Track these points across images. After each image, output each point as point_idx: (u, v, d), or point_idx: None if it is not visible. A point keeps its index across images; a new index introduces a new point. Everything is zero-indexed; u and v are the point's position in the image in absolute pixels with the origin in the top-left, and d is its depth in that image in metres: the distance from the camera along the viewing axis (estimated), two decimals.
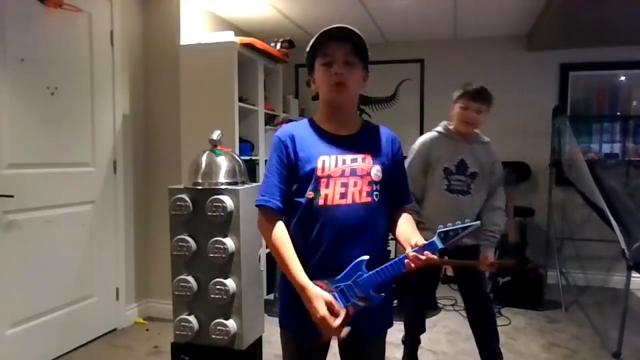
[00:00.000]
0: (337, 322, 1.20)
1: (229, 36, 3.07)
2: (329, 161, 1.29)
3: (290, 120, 4.09)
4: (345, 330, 1.23)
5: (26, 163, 2.54)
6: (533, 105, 4.19)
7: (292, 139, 1.33)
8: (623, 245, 2.79)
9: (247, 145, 3.36)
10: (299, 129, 1.36)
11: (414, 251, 1.21)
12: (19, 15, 2.47)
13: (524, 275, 3.64)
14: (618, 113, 4.25)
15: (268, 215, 1.32)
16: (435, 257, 1.21)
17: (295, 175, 1.31)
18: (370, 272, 1.23)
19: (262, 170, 3.49)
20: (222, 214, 2.10)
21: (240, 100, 3.21)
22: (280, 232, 1.30)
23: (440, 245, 1.21)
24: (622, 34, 3.70)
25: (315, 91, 1.38)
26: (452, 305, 3.68)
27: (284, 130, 1.37)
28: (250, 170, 2.83)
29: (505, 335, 3.10)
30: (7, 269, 2.43)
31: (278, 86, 3.86)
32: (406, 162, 2.36)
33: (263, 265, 2.55)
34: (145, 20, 3.32)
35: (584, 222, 4.09)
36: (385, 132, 1.43)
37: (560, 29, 3.69)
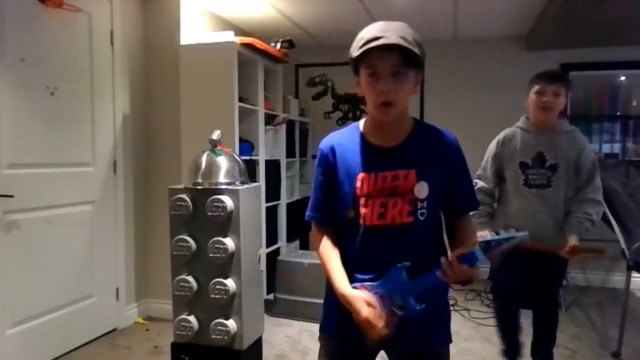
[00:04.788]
0: (379, 320, 1.15)
1: (229, 36, 3.07)
2: (368, 180, 1.22)
3: (292, 120, 4.10)
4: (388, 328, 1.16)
5: (26, 163, 2.54)
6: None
7: (333, 151, 1.30)
8: (623, 245, 2.79)
9: (247, 145, 3.36)
10: (342, 141, 1.31)
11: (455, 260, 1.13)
12: (19, 15, 2.47)
13: None
14: (618, 113, 4.25)
15: (318, 227, 1.34)
16: (470, 270, 1.11)
17: (337, 189, 1.28)
18: (412, 280, 1.17)
19: (262, 170, 3.49)
20: (222, 214, 2.10)
21: (240, 100, 3.21)
22: (325, 243, 1.30)
23: (481, 257, 1.09)
24: (622, 34, 3.70)
25: (361, 95, 1.28)
26: (452, 305, 3.68)
27: (328, 140, 1.33)
28: (250, 170, 2.83)
29: None
30: (7, 269, 2.43)
31: (278, 86, 3.85)
32: (483, 160, 2.36)
33: (263, 265, 2.56)
34: (145, 20, 3.32)
35: None
36: (438, 136, 1.28)
37: (560, 29, 3.69)
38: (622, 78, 4.23)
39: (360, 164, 1.25)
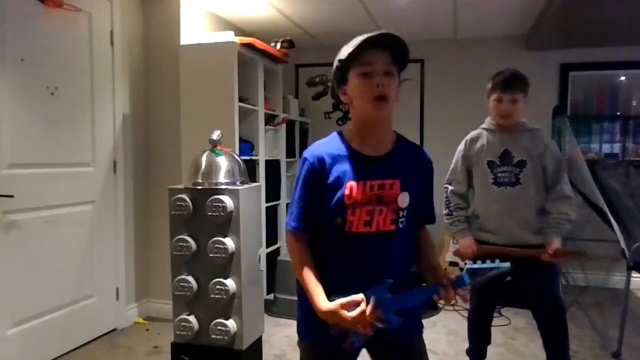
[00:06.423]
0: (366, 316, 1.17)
1: (229, 36, 3.07)
2: (356, 188, 1.25)
3: (292, 120, 4.10)
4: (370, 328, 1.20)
5: (26, 163, 2.54)
6: (533, 105, 4.18)
7: (321, 161, 1.28)
8: (623, 245, 2.79)
9: (247, 145, 3.36)
10: (329, 150, 1.30)
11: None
12: (19, 15, 2.47)
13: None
14: (618, 113, 4.25)
15: (297, 237, 1.33)
16: (463, 294, 1.23)
17: (324, 198, 1.28)
18: (394, 296, 1.20)
19: (262, 170, 3.49)
20: (222, 214, 2.10)
21: (240, 100, 3.21)
22: (300, 252, 1.31)
23: (468, 281, 1.20)
24: (622, 34, 3.70)
25: (346, 103, 1.32)
26: (452, 305, 3.67)
27: (313, 151, 1.31)
28: (250, 170, 2.83)
29: (505, 335, 3.10)
30: (7, 269, 2.43)
31: (278, 86, 3.85)
32: (451, 164, 2.36)
33: (263, 265, 2.56)
34: (145, 20, 3.32)
35: (584, 222, 4.09)
36: (418, 153, 1.39)
37: (560, 29, 3.69)
38: (622, 78, 4.23)
39: (349, 172, 1.27)
